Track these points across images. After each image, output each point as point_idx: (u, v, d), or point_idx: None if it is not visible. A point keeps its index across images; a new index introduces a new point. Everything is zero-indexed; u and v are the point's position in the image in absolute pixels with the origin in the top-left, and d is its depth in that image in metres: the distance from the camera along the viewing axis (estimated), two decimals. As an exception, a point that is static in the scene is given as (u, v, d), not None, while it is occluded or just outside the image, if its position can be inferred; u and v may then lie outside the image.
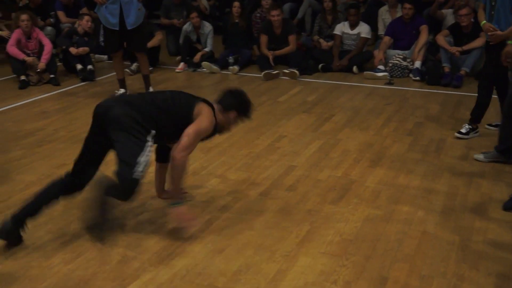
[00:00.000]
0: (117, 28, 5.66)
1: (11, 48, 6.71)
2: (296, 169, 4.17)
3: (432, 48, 7.26)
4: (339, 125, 5.20)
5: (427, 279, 2.78)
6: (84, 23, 7.29)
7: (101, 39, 7.62)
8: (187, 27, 7.84)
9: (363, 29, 7.47)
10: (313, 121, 5.34)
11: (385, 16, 7.98)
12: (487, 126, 4.95)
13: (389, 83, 6.76)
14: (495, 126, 4.84)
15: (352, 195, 3.73)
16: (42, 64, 6.72)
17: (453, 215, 3.44)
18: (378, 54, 7.24)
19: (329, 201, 3.65)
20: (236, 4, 7.94)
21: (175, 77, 7.30)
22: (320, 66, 7.42)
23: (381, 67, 7.07)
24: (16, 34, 6.77)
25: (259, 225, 3.32)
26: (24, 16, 6.78)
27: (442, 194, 3.73)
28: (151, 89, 6.14)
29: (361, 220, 3.38)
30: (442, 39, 6.78)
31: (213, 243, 3.12)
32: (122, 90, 6.09)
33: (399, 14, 7.60)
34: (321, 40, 7.87)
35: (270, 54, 7.36)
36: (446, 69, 6.66)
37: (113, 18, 5.63)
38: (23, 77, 6.66)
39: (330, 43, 7.70)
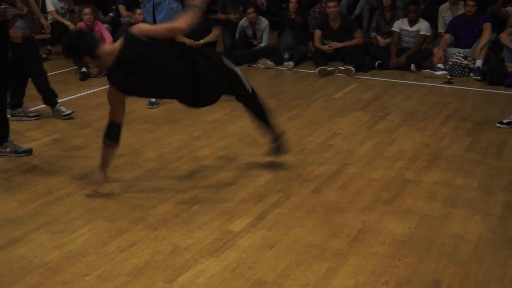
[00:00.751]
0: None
1: (74, 41, 6.94)
2: (349, 167, 4.13)
3: (495, 47, 7.02)
4: (394, 124, 5.11)
5: (482, 284, 2.70)
6: (136, 17, 7.46)
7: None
8: (243, 22, 7.88)
9: (423, 26, 7.30)
10: (368, 119, 5.27)
11: (445, 13, 7.77)
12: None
13: (449, 82, 6.58)
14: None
15: (406, 195, 3.66)
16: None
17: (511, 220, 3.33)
18: (437, 52, 7.06)
19: (382, 200, 3.60)
20: (293, 0, 7.94)
21: (230, 71, 7.35)
22: (376, 63, 7.31)
23: (440, 65, 6.89)
24: (79, 27, 6.99)
25: (310, 222, 3.31)
26: (86, 10, 6.99)
27: (501, 198, 3.61)
28: None
29: (415, 222, 3.31)
30: (506, 38, 6.55)
31: (263, 238, 3.13)
32: None
33: (460, 12, 7.39)
34: (379, 37, 7.75)
35: (328, 47, 7.31)
36: (510, 69, 6.43)
37: (148, 17, 5.71)
38: (84, 69, 6.88)
39: (387, 40, 7.58)
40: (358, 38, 7.40)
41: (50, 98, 5.31)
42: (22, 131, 4.90)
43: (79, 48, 3.39)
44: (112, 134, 3.58)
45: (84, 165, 4.18)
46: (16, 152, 4.40)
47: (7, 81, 4.29)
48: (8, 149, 4.38)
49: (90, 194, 3.65)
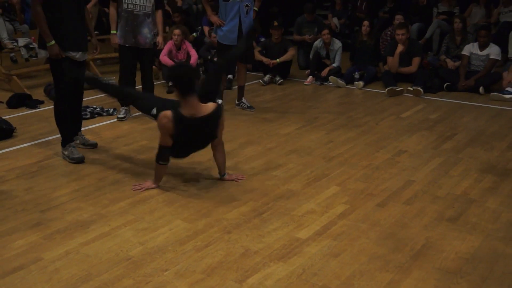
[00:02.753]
0: (235, 43, 5.70)
1: (163, 58, 7.18)
2: (414, 184, 4.00)
3: None
4: (461, 144, 4.91)
5: (547, 308, 2.53)
6: (212, 38, 7.62)
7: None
8: (317, 43, 7.87)
9: (493, 51, 6.99)
10: (434, 138, 5.10)
11: (517, 38, 7.41)
12: None
13: (517, 106, 6.25)
14: None
15: (471, 214, 3.50)
16: (189, 72, 7.11)
17: None
18: (507, 76, 6.73)
19: (446, 218, 3.45)
20: (366, 23, 7.86)
21: (303, 89, 7.35)
22: (445, 85, 7.06)
23: (509, 89, 6.56)
24: (168, 45, 7.22)
25: (374, 235, 3.23)
26: (177, 31, 7.22)
27: None
28: (243, 100, 6.14)
29: (479, 240, 3.15)
30: None
31: (329, 247, 3.09)
32: (219, 101, 5.89)
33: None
34: (448, 60, 7.50)
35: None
36: None
37: (232, 34, 5.71)
38: (171, 83, 7.08)
39: (456, 63, 7.32)
40: (413, 66, 7.23)
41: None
42: (114, 137, 5.12)
43: (181, 81, 3.65)
44: (166, 156, 3.81)
45: (168, 170, 4.28)
46: (83, 144, 4.74)
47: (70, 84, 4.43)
48: (78, 141, 4.72)
49: (136, 188, 3.88)
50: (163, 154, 3.79)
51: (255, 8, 5.91)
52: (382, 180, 4.08)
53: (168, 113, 3.61)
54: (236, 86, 6.27)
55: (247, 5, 5.67)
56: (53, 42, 4.20)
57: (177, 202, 3.68)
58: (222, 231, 3.27)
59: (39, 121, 5.61)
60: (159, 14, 5.62)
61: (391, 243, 3.13)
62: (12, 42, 7.46)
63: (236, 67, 6.23)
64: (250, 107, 6.10)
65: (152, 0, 5.47)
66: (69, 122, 4.53)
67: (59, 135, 4.57)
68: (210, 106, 3.78)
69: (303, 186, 3.97)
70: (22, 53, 7.20)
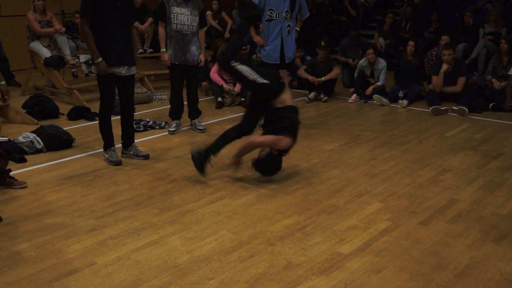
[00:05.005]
0: (278, 62, 5.74)
1: (214, 75, 7.29)
2: (458, 203, 3.88)
3: None
4: (507, 164, 4.73)
5: None
6: (257, 59, 7.66)
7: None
8: (362, 62, 7.80)
9: (541, 71, 6.74)
10: (479, 158, 4.94)
11: None
12: None
13: None
14: None
15: (516, 236, 3.36)
16: (237, 88, 7.20)
17: None
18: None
19: (491, 238, 3.32)
20: (411, 43, 7.76)
21: (347, 107, 7.29)
22: (490, 105, 6.85)
23: (557, 110, 6.30)
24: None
25: (417, 252, 3.15)
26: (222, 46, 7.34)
27: None
28: None
29: (524, 263, 3.02)
30: None
31: (371, 263, 3.03)
32: None
33: None
34: (494, 80, 7.28)
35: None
36: None
37: (274, 53, 5.73)
38: (219, 99, 7.18)
39: (503, 83, 7.09)
40: (459, 85, 7.03)
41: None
42: (165, 149, 5.21)
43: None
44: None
45: (215, 182, 4.33)
46: (136, 155, 4.89)
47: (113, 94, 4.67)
48: (131, 152, 4.90)
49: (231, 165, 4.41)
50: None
51: (297, 29, 5.92)
52: (425, 198, 3.98)
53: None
54: None
55: (289, 25, 5.69)
56: (100, 59, 4.38)
57: (223, 214, 3.70)
58: (266, 243, 3.26)
59: (96, 132, 5.77)
60: (201, 33, 5.73)
61: (433, 262, 3.04)
62: (74, 59, 7.76)
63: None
64: None
65: (198, 20, 5.58)
66: (110, 129, 4.75)
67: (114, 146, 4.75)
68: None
69: (346, 201, 3.92)
70: (83, 68, 7.46)
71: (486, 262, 3.03)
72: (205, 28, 5.88)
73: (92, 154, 5.05)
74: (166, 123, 6.09)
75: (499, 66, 7.39)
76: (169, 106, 5.98)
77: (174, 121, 5.88)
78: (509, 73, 6.97)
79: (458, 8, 9.99)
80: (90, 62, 7.60)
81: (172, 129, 5.81)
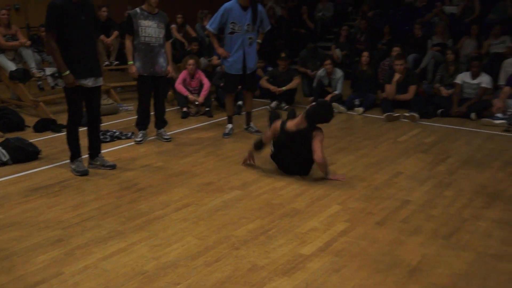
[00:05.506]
0: (240, 73, 5.77)
1: (178, 86, 7.24)
2: (411, 203, 3.97)
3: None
4: (454, 166, 4.89)
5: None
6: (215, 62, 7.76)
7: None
8: (321, 72, 7.91)
9: (484, 80, 7.00)
10: (429, 161, 5.08)
11: (509, 68, 7.41)
12: None
13: (507, 131, 6.22)
14: None
15: (464, 232, 3.46)
16: (201, 98, 7.18)
17: None
18: (497, 102, 6.72)
19: (441, 236, 3.42)
20: (365, 54, 7.92)
21: (307, 115, 7.36)
22: (439, 111, 7.06)
23: (499, 115, 6.55)
24: (183, 75, 7.30)
25: (373, 251, 3.20)
26: (191, 61, 7.30)
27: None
28: (251, 124, 6.18)
29: (472, 257, 3.12)
30: None
31: (331, 262, 3.06)
32: (230, 125, 6.10)
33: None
34: (442, 88, 7.51)
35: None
36: None
37: (237, 64, 5.75)
38: (185, 109, 7.15)
39: (450, 91, 7.32)
40: (410, 94, 7.21)
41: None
42: (131, 158, 5.15)
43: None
44: (261, 149, 4.84)
45: (181, 190, 4.30)
46: (103, 165, 4.81)
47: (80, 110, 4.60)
48: (98, 162, 4.82)
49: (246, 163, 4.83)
50: (258, 144, 4.77)
51: (259, 41, 5.95)
52: (380, 199, 4.06)
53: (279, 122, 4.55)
54: (245, 112, 6.31)
55: (250, 38, 5.71)
56: (67, 72, 4.31)
57: (189, 220, 3.68)
58: (231, 247, 3.26)
59: (63, 144, 5.64)
60: (168, 45, 5.70)
61: (389, 259, 3.10)
62: (40, 71, 7.58)
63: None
64: (257, 131, 6.12)
65: (164, 32, 5.56)
66: (78, 141, 4.66)
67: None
68: (301, 124, 4.47)
69: (306, 205, 3.96)
70: (49, 81, 7.29)
71: (437, 258, 3.11)
72: (170, 41, 5.85)
73: (59, 165, 4.94)
74: (132, 133, 6.01)
75: (446, 75, 7.63)
76: (136, 116, 5.91)
77: (141, 131, 5.82)
78: (455, 81, 7.22)
79: (408, 21, 10.30)
80: (56, 75, 7.44)
81: (139, 139, 5.74)
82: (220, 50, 5.83)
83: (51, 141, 5.85)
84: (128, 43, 5.54)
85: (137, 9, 5.47)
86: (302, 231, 3.49)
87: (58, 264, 3.05)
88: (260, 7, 5.76)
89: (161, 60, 5.57)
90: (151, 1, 5.38)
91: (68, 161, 4.79)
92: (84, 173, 4.61)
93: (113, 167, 4.80)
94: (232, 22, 5.62)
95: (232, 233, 3.46)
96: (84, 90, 4.49)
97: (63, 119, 6.66)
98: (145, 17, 5.43)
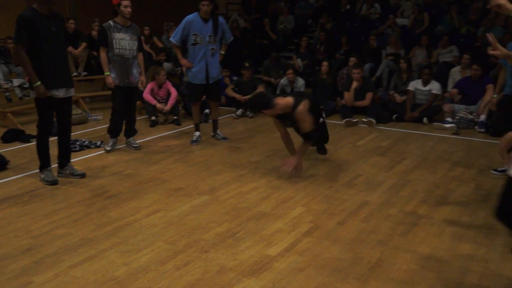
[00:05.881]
0: (204, 82, 5.75)
1: (147, 95, 7.15)
2: (370, 204, 4.04)
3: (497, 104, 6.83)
4: (409, 168, 5.00)
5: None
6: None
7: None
8: (283, 81, 7.98)
9: (434, 86, 7.21)
10: (386, 163, 5.18)
11: (456, 76, 7.65)
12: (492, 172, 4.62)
13: (456, 134, 6.43)
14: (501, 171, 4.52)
15: (419, 230, 3.54)
16: (168, 107, 7.11)
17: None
18: (446, 108, 6.95)
19: (398, 233, 3.49)
20: (325, 63, 8.06)
21: (271, 122, 7.31)
22: (394, 116, 7.23)
23: (449, 119, 6.76)
24: (151, 85, 7.22)
25: (335, 250, 3.24)
26: (163, 72, 7.25)
27: (503, 234, 3.44)
28: (218, 132, 6.14)
29: (427, 252, 3.19)
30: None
31: (296, 262, 3.08)
32: (197, 133, 6.06)
33: (468, 74, 7.27)
34: (396, 95, 7.68)
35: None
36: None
37: (200, 74, 5.72)
38: (153, 118, 7.06)
39: (403, 98, 7.50)
40: (367, 100, 7.35)
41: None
42: (101, 167, 5.04)
43: (263, 104, 4.46)
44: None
45: (151, 196, 4.23)
46: (72, 174, 4.69)
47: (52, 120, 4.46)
48: (67, 171, 4.69)
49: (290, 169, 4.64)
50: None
51: (222, 52, 5.93)
52: (341, 201, 4.11)
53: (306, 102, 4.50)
54: (211, 120, 6.28)
55: (212, 48, 5.69)
56: (39, 83, 4.19)
57: (159, 225, 3.62)
58: (200, 250, 3.23)
59: (32, 154, 5.48)
60: (140, 56, 5.63)
61: (350, 257, 3.14)
62: (7, 83, 7.34)
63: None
64: (224, 138, 6.11)
65: (137, 44, 5.49)
66: (48, 151, 4.53)
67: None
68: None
69: (272, 207, 3.96)
70: (17, 92, 7.08)
71: (395, 254, 3.17)
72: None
73: (28, 175, 4.78)
74: (102, 142, 5.89)
75: (399, 82, 7.82)
76: (105, 126, 5.79)
77: (112, 139, 5.70)
78: (408, 88, 7.40)
79: (363, 33, 10.51)
80: (25, 86, 7.23)
81: (109, 148, 5.62)
82: (183, 61, 5.80)
83: (19, 151, 5.66)
84: (103, 55, 5.42)
85: (110, 22, 5.36)
86: (268, 233, 3.49)
87: (28, 273, 2.95)
88: (221, 19, 5.76)
89: (135, 71, 5.51)
90: (125, 13, 5.29)
91: (37, 170, 4.65)
92: (54, 183, 4.48)
93: (82, 175, 4.69)
94: (194, 34, 5.60)
95: (201, 237, 3.43)
96: (55, 101, 4.37)
97: (31, 129, 6.47)
98: (119, 30, 5.35)
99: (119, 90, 5.50)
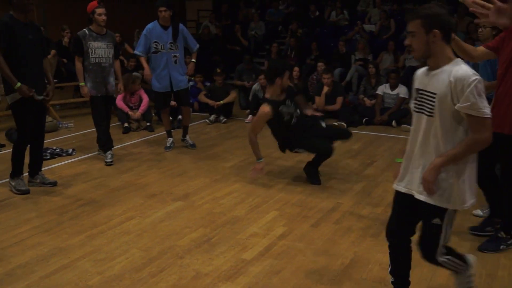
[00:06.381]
0: (168, 90, 5.63)
1: (119, 102, 7.05)
2: (342, 206, 4.08)
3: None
4: (379, 170, 5.08)
5: (457, 307, 2.60)
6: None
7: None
8: (255, 86, 7.99)
9: (402, 90, 7.36)
10: (357, 165, 5.25)
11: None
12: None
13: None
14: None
15: (390, 230, 3.59)
16: (138, 114, 7.03)
17: (480, 253, 3.24)
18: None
19: (370, 234, 3.53)
20: (296, 69, 8.10)
21: (244, 126, 7.40)
22: (364, 120, 7.34)
23: (416, 121, 6.90)
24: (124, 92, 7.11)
25: (310, 252, 3.25)
26: (138, 81, 7.17)
27: (470, 234, 3.53)
28: (187, 137, 6.03)
29: (398, 252, 3.23)
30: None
31: (271, 265, 3.07)
32: (170, 139, 5.99)
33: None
34: (365, 99, 7.80)
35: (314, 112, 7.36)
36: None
37: (164, 82, 5.59)
38: (126, 124, 6.96)
39: (373, 101, 7.62)
40: (337, 104, 7.43)
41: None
42: (73, 175, 4.93)
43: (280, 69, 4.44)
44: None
45: (124, 203, 4.17)
46: (43, 183, 4.57)
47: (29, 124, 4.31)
48: (38, 180, 4.57)
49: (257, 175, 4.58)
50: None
51: (193, 60, 5.79)
52: (314, 203, 4.14)
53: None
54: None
55: (175, 56, 5.54)
56: (19, 84, 4.08)
57: (133, 233, 3.56)
58: (175, 256, 3.19)
59: (1, 163, 5.33)
60: (117, 63, 5.49)
61: (324, 259, 3.15)
62: (-25, 91, 7.11)
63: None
64: (192, 145, 6.00)
65: (112, 52, 5.34)
66: (23, 159, 4.39)
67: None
68: None
69: (246, 212, 3.96)
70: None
71: (367, 255, 3.21)
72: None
73: (-3, 184, 4.64)
74: (74, 150, 5.77)
75: (368, 86, 7.95)
76: (76, 133, 5.66)
77: (108, 152, 5.43)
78: (377, 92, 7.53)
79: (333, 39, 10.65)
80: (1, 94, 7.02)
81: (110, 160, 5.35)
82: (146, 72, 5.64)
83: (-12, 161, 5.49)
84: (78, 64, 5.21)
85: (85, 30, 5.18)
86: (243, 237, 3.48)
87: (-2, 285, 2.85)
88: (181, 26, 5.63)
89: (112, 79, 5.35)
90: (99, 21, 5.11)
91: (6, 180, 4.51)
92: (25, 192, 4.36)
93: (54, 184, 4.57)
94: (155, 42, 5.49)
95: (176, 243, 3.39)
96: (32, 107, 4.23)
97: (0, 138, 6.29)
98: (94, 38, 5.17)
99: (96, 100, 5.30)
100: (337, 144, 6.14)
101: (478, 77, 2.04)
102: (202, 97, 7.86)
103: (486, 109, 2.06)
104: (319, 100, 7.52)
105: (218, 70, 7.80)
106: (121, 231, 3.59)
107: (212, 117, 7.60)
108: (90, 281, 2.88)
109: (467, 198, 2.19)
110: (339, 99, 7.48)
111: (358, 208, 4.02)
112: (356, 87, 8.92)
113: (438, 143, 2.15)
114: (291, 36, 10.76)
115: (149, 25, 5.54)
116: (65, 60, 9.04)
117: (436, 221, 2.24)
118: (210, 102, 7.68)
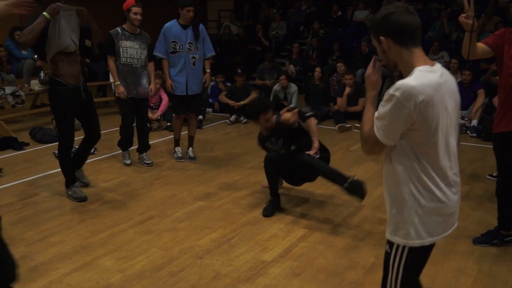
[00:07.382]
0: (184, 93, 5.28)
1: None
2: (363, 209, 4.05)
3: (488, 109, 6.91)
4: (402, 172, 5.02)
5: (482, 314, 2.57)
6: None
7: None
8: (276, 87, 8.01)
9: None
10: (379, 167, 5.20)
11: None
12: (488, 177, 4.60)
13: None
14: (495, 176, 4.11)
15: (413, 234, 3.55)
16: (157, 114, 7.11)
17: (507, 256, 3.18)
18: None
19: (392, 237, 3.50)
20: (318, 69, 8.08)
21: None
22: (386, 121, 7.27)
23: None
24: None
25: (331, 255, 3.24)
26: (158, 81, 7.18)
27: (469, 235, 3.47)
28: (190, 149, 5.60)
29: (421, 256, 3.20)
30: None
31: (291, 267, 3.08)
32: (178, 149, 5.64)
33: (459, 80, 7.33)
34: (388, 100, 7.73)
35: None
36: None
37: (181, 85, 5.26)
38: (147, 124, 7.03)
39: (396, 103, 7.55)
40: (360, 105, 7.38)
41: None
42: (96, 174, 5.02)
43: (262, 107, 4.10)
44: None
45: (144, 203, 4.22)
46: (79, 179, 4.46)
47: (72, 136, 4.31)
48: (76, 174, 4.41)
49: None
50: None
51: (208, 70, 5.42)
52: (336, 206, 4.12)
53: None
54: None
55: (194, 57, 5.24)
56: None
57: (153, 232, 3.61)
58: (195, 256, 3.22)
59: (25, 161, 5.46)
60: (151, 65, 5.34)
61: (345, 262, 3.14)
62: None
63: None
64: (192, 158, 5.58)
65: (146, 53, 5.17)
66: (72, 167, 4.32)
67: (43, 174, 4.44)
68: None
69: (266, 213, 3.96)
70: (9, 100, 7.03)
71: (389, 258, 3.18)
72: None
73: (21, 182, 4.75)
74: (95, 149, 5.86)
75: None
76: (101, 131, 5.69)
77: (125, 152, 5.42)
78: (400, 93, 7.45)
79: (355, 39, 10.58)
80: (17, 94, 7.20)
81: (128, 161, 5.34)
82: (167, 84, 5.32)
83: (12, 159, 5.62)
84: (111, 63, 5.04)
85: (118, 29, 5.02)
86: (263, 238, 3.49)
87: (22, 281, 2.91)
88: (201, 26, 5.36)
89: (144, 82, 5.15)
90: (134, 20, 4.93)
91: (31, 178, 4.63)
92: (82, 199, 4.24)
93: (86, 185, 4.57)
94: (173, 41, 5.21)
95: (195, 243, 3.42)
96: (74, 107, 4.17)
97: (24, 137, 6.45)
98: (127, 37, 5.00)
99: (125, 101, 5.11)
100: (353, 148, 6.11)
101: (399, 92, 1.63)
102: (222, 98, 7.90)
103: (377, 124, 1.73)
104: (341, 101, 7.48)
105: (239, 71, 7.84)
106: (141, 230, 3.64)
107: (233, 117, 7.63)
108: (111, 279, 2.93)
109: (412, 233, 1.83)
110: (361, 101, 7.43)
111: (380, 211, 3.99)
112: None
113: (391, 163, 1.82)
114: (313, 36, 10.72)
115: (168, 24, 5.28)
116: (87, 60, 9.20)
117: (386, 248, 1.95)
118: (231, 102, 7.72)
